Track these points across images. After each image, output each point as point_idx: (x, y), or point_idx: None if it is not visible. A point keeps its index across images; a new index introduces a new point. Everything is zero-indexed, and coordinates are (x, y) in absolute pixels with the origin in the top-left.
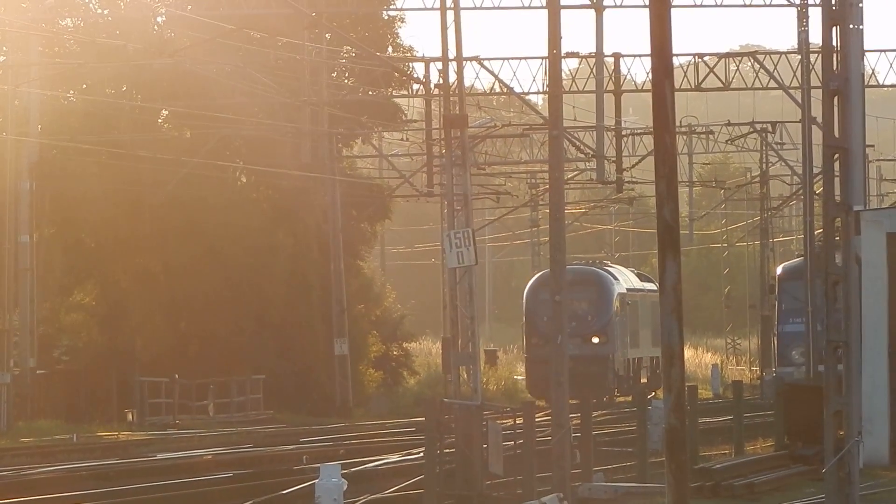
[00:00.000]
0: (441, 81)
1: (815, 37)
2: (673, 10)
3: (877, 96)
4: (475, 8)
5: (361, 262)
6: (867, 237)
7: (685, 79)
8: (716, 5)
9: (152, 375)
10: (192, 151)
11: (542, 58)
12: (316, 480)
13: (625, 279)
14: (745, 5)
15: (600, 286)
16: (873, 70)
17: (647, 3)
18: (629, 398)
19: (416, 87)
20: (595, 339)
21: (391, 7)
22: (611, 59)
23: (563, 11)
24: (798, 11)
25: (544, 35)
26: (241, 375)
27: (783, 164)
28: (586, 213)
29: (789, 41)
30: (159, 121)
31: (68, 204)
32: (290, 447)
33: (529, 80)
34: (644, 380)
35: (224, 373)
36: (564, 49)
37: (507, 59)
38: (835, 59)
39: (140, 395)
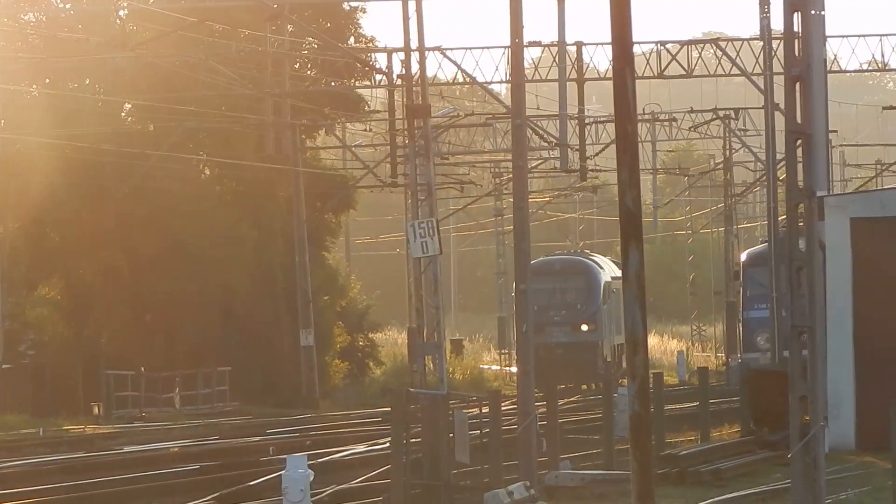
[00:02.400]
0: (403, 72)
1: (777, 23)
2: None
3: (839, 82)
4: None
5: (326, 253)
6: (831, 222)
7: (647, 66)
8: None
9: (118, 369)
10: (155, 144)
11: (505, 47)
12: (283, 471)
13: (608, 268)
14: None
15: (589, 275)
16: (835, 56)
17: None
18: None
19: (378, 77)
20: (584, 327)
21: None
22: (573, 48)
23: (524, 0)
24: None
25: (506, 24)
26: (207, 368)
27: (746, 150)
28: (550, 202)
29: (751, 28)
30: (122, 114)
31: (32, 198)
32: (257, 439)
33: (492, 69)
34: (625, 365)
35: (190, 365)
36: (526, 38)
37: (470, 48)
38: (796, 45)
39: (106, 389)
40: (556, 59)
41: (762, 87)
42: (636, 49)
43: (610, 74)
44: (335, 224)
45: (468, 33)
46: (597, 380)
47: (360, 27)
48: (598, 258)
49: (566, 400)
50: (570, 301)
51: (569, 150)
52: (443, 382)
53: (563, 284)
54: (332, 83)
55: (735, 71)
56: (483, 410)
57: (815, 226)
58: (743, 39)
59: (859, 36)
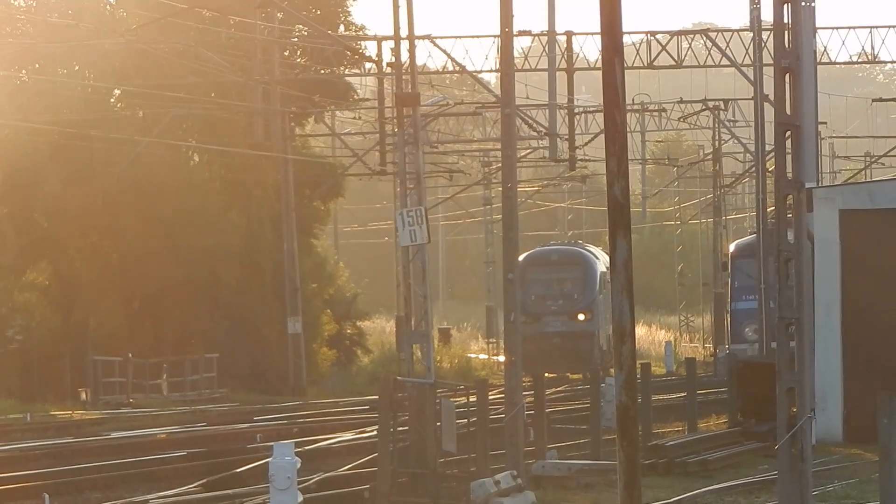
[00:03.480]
0: (393, 60)
1: (767, 14)
2: None
3: (829, 74)
4: None
5: (314, 241)
6: (819, 214)
7: (637, 56)
8: None
9: (106, 354)
10: (144, 131)
11: (495, 36)
12: (269, 459)
13: (603, 258)
14: None
15: (586, 265)
16: (825, 47)
17: None
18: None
19: (368, 65)
20: (581, 317)
21: None
22: (563, 38)
23: None
24: None
25: (496, 13)
26: (195, 354)
27: (736, 141)
28: (539, 191)
29: (741, 19)
30: (111, 100)
31: (21, 183)
32: (244, 426)
33: (482, 58)
34: None
35: (178, 351)
36: (517, 27)
37: (460, 37)
38: (786, 36)
39: (94, 374)
40: (546, 48)
41: (752, 78)
42: (626, 39)
43: (600, 65)
44: (324, 212)
45: (458, 22)
46: (593, 369)
47: (350, 15)
48: (593, 248)
49: (553, 389)
50: (567, 291)
51: (558, 139)
52: (430, 371)
53: (560, 274)
54: (322, 71)
55: (725, 62)
56: (470, 399)
57: (804, 217)
58: (733, 30)
59: (849, 28)
